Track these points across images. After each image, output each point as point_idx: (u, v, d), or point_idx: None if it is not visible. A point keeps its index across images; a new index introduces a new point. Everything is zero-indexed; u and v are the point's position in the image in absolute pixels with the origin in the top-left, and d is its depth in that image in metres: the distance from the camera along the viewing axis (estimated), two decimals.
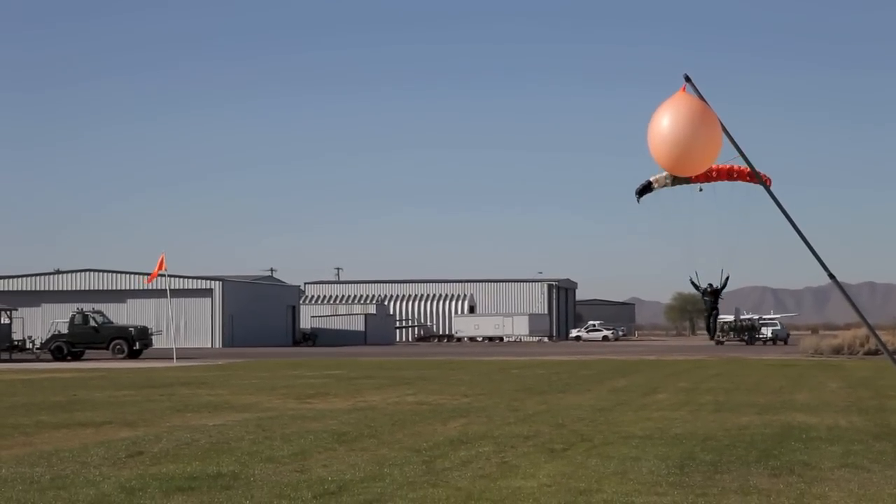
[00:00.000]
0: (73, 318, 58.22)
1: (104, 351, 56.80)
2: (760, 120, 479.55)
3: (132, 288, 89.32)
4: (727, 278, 37.41)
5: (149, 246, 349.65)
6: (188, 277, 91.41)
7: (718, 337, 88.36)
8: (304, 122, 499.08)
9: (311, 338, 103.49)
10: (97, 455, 13.32)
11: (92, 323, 57.85)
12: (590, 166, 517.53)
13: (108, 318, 60.47)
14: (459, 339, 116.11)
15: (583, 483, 10.91)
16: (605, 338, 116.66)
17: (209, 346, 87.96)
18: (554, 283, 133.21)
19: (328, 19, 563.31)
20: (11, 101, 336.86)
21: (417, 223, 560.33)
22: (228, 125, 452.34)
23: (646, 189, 29.19)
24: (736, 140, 10.64)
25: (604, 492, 10.41)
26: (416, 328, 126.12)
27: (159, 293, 77.49)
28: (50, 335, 58.39)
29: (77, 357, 56.21)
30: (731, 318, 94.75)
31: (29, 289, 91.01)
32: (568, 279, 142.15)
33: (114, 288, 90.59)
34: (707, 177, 26.77)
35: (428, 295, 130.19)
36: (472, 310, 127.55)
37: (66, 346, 56.55)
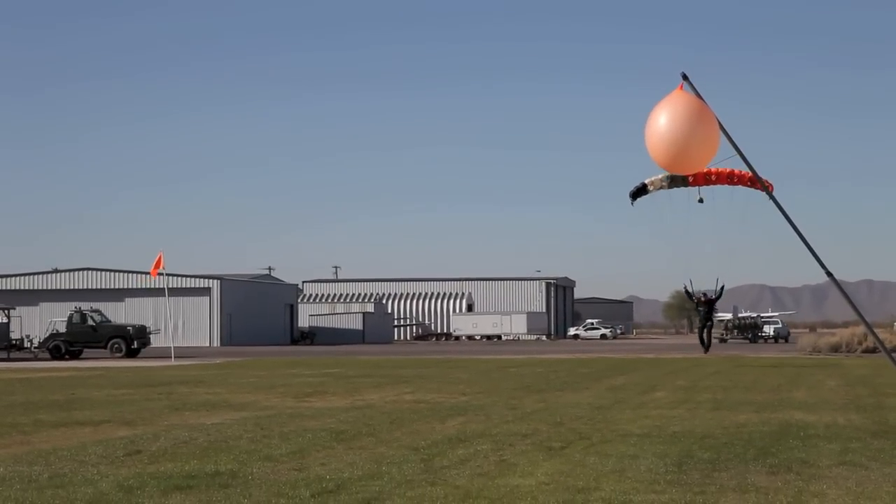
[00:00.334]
0: (71, 317, 58.22)
1: (102, 350, 56.81)
2: (758, 118, 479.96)
3: (130, 287, 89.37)
4: (722, 288, 36.84)
5: (147, 245, 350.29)
6: (186, 276, 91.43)
7: (722, 335, 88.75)
8: (303, 121, 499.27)
9: (310, 336, 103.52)
10: (95, 454, 13.32)
11: (90, 322, 57.86)
12: (587, 164, 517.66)
13: (106, 317, 60.47)
14: (457, 338, 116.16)
15: (581, 481, 10.91)
16: (603, 336, 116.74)
17: (207, 344, 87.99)
18: (552, 281, 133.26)
19: (328, 19, 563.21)
20: (10, 101, 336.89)
21: (415, 222, 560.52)
22: (226, 124, 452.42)
23: (640, 191, 28.52)
24: (733, 138, 10.64)
25: (602, 490, 10.41)
26: (414, 327, 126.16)
27: (157, 292, 77.55)
28: (48, 334, 58.42)
29: (75, 356, 56.22)
30: (728, 315, 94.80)
31: (27, 288, 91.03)
32: (566, 277, 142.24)
33: (112, 287, 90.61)
34: (706, 180, 26.07)
35: (426, 293, 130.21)
36: (470, 308, 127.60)
37: (64, 345, 56.56)
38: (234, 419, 17.96)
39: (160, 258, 50.04)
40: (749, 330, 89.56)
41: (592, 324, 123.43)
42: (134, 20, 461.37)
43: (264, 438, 14.88)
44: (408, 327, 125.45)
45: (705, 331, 37.95)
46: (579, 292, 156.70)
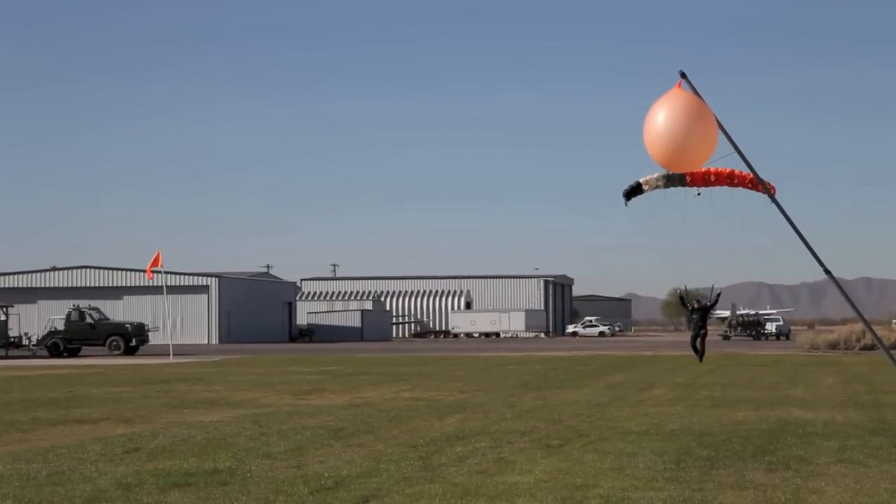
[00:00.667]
0: (69, 315, 58.15)
1: (101, 347, 56.76)
2: (756, 116, 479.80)
3: (128, 284, 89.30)
4: (719, 295, 36.19)
5: (145, 243, 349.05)
6: (185, 274, 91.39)
7: (726, 332, 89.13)
8: (301, 119, 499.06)
9: (308, 334, 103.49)
10: (94, 451, 13.32)
11: (88, 319, 57.79)
12: (585, 162, 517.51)
13: (104, 315, 60.41)
14: (456, 335, 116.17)
15: (579, 478, 10.92)
16: (601, 333, 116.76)
17: (206, 342, 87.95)
18: (550, 278, 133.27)
19: (328, 19, 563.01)
20: (8, 99, 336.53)
21: (414, 220, 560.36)
22: (225, 123, 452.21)
23: (634, 191, 27.88)
24: (731, 136, 10.65)
25: (600, 487, 10.42)
26: (412, 324, 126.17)
27: (156, 290, 77.48)
28: (46, 332, 58.34)
29: (73, 354, 56.17)
30: (727, 313, 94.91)
31: (25, 285, 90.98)
32: (564, 275, 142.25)
33: (110, 284, 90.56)
34: (704, 180, 25.66)
35: (424, 291, 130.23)
36: (468, 306, 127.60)
37: (63, 343, 56.51)
38: (233, 417, 17.96)
39: (158, 256, 49.98)
40: (752, 327, 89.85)
41: (591, 321, 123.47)
42: (131, 18, 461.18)
43: (263, 436, 14.89)
44: (406, 325, 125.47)
45: (699, 339, 35.46)
46: (577, 290, 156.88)
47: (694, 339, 34.16)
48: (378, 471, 11.51)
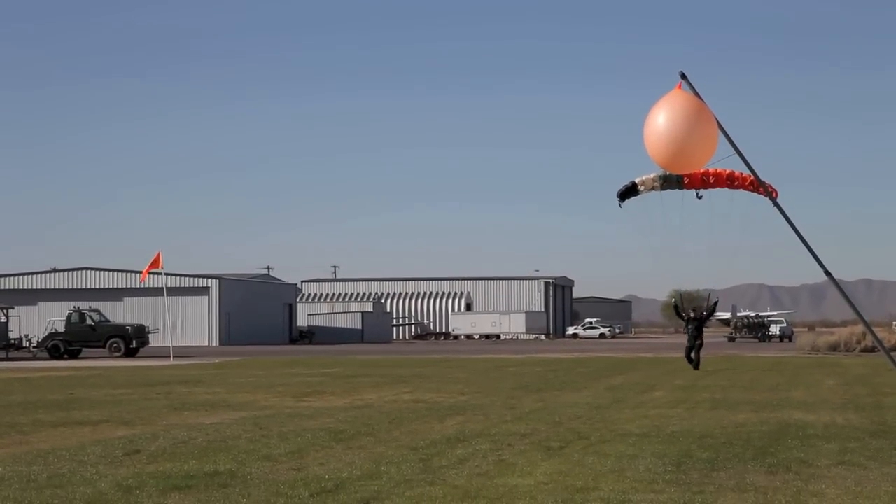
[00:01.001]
0: (69, 317, 58.16)
1: (101, 349, 56.74)
2: (756, 117, 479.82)
3: (129, 286, 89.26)
4: (716, 303, 35.58)
5: (145, 244, 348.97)
6: (185, 276, 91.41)
7: (731, 334, 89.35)
8: (302, 120, 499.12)
9: (308, 336, 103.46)
10: (94, 453, 13.31)
11: (88, 321, 57.80)
12: (586, 164, 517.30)
13: (104, 317, 60.42)
14: (456, 337, 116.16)
15: (580, 481, 10.91)
16: (601, 335, 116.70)
17: (206, 344, 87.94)
18: (551, 280, 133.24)
19: (328, 19, 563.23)
20: (8, 100, 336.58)
21: (414, 221, 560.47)
22: (225, 124, 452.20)
23: (629, 191, 26.82)
24: (731, 136, 10.65)
25: (601, 489, 10.41)
26: (412, 326, 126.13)
27: (156, 291, 77.52)
28: (46, 334, 58.32)
29: (74, 356, 56.16)
30: (728, 315, 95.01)
31: (25, 287, 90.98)
32: (565, 277, 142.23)
33: (110, 286, 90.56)
34: (703, 183, 24.83)
35: (425, 293, 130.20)
36: (468, 307, 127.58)
37: (63, 345, 56.50)
38: (233, 419, 17.96)
39: (158, 257, 49.94)
40: (758, 329, 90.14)
41: (591, 323, 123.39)
42: (131, 18, 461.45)
43: (263, 438, 14.88)
44: (406, 327, 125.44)
45: (694, 351, 33.53)
46: (578, 292, 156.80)
47: (689, 350, 32.64)
48: (378, 473, 11.51)
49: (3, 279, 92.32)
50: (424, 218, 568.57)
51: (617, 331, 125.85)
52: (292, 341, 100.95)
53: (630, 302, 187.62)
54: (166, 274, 58.28)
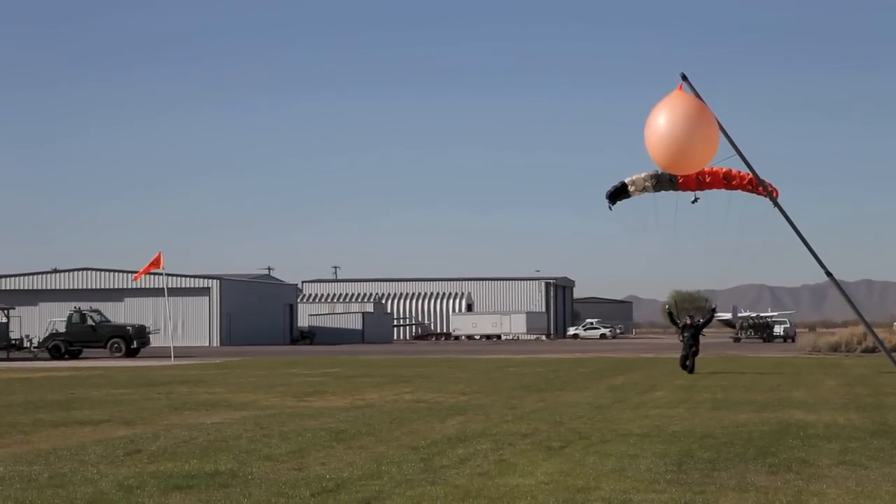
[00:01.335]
0: (70, 317, 58.20)
1: (102, 349, 56.79)
2: (757, 118, 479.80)
3: (130, 287, 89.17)
4: (713, 310, 35.15)
5: (146, 245, 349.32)
6: (186, 276, 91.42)
7: (737, 334, 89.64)
8: (302, 121, 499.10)
9: (309, 336, 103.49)
10: (95, 453, 13.32)
11: (89, 322, 57.84)
12: (587, 164, 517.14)
13: (105, 317, 60.46)
14: (457, 338, 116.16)
15: (581, 481, 10.92)
16: (602, 336, 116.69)
17: (207, 344, 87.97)
18: (551, 281, 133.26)
19: (328, 19, 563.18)
20: (9, 101, 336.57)
21: (415, 221, 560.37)
22: (226, 124, 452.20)
23: (619, 192, 25.68)
24: (732, 138, 10.65)
25: (602, 489, 10.42)
26: (413, 326, 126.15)
27: (157, 292, 77.56)
28: (47, 334, 58.39)
29: (75, 356, 56.20)
30: (728, 315, 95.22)
31: (26, 287, 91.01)
32: (565, 277, 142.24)
33: (111, 287, 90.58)
34: (699, 183, 23.94)
35: (425, 293, 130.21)
36: (469, 308, 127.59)
37: (64, 345, 56.55)
38: (234, 419, 17.97)
39: (159, 257, 49.91)
40: (762, 329, 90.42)
41: (592, 323, 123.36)
42: (132, 19, 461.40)
43: (264, 438, 14.89)
44: (407, 327, 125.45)
45: (689, 359, 31.46)
46: (578, 292, 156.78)
47: (684, 358, 31.61)
48: (379, 473, 11.51)
49: (4, 279, 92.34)
50: (425, 218, 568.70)
51: (618, 331, 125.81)
52: (293, 342, 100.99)
53: (631, 302, 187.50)
54: (167, 274, 58.25)
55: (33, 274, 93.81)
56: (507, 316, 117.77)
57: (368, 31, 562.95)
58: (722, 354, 50.98)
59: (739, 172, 23.46)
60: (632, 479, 11.01)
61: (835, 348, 54.82)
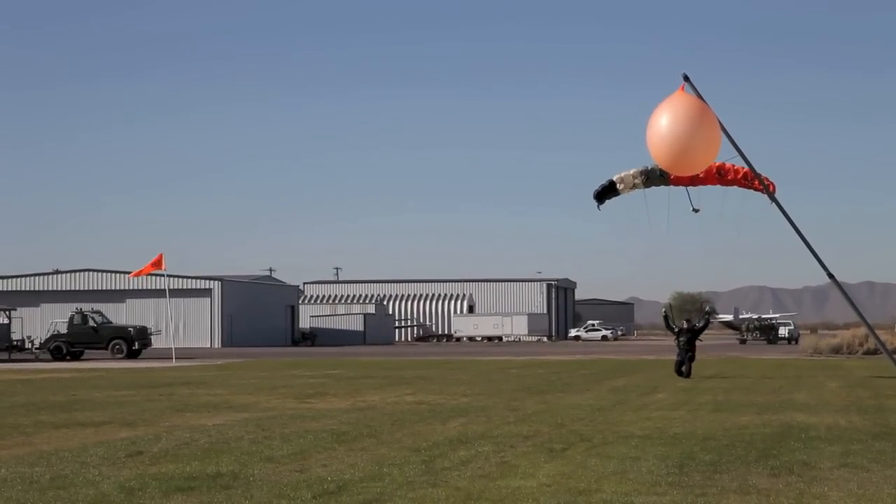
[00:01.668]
0: (72, 318, 58.20)
1: (103, 351, 56.79)
2: (759, 120, 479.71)
3: (131, 288, 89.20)
4: (708, 314, 34.86)
5: (148, 246, 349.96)
6: (187, 277, 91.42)
7: (742, 336, 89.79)
8: (303, 121, 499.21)
9: (311, 337, 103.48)
10: (96, 455, 13.31)
11: (91, 323, 57.84)
12: (589, 166, 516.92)
13: (107, 318, 60.46)
14: (458, 339, 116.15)
15: (582, 483, 10.91)
16: (604, 337, 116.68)
17: (208, 345, 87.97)
18: (553, 282, 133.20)
19: (328, 19, 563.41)
20: (10, 101, 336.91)
21: (416, 223, 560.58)
22: (227, 125, 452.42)
23: (608, 191, 24.70)
24: (734, 139, 10.64)
25: (603, 492, 10.41)
26: (415, 328, 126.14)
27: (158, 293, 77.52)
28: (49, 335, 58.37)
29: (76, 357, 56.19)
30: (729, 317, 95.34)
31: (28, 289, 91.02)
32: (567, 279, 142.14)
33: (113, 288, 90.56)
34: (692, 179, 23.08)
35: (427, 295, 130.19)
36: (471, 309, 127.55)
37: (65, 346, 56.54)
38: (236, 420, 17.96)
39: (160, 258, 49.89)
40: (767, 331, 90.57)
41: (593, 325, 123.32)
42: (132, 19, 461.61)
43: (265, 440, 14.88)
44: (409, 328, 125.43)
45: (685, 364, 30.47)
46: (580, 294, 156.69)
47: (679, 364, 30.84)
48: (381, 475, 11.51)
49: (5, 280, 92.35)
50: (427, 220, 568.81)
51: (619, 333, 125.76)
52: (294, 343, 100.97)
53: (632, 304, 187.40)
54: (168, 275, 58.26)
55: (35, 275, 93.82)
56: (509, 317, 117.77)
57: (369, 31, 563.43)
58: (723, 356, 50.95)
59: (734, 166, 22.79)
60: (633, 482, 11.01)
61: (836, 350, 54.80)
